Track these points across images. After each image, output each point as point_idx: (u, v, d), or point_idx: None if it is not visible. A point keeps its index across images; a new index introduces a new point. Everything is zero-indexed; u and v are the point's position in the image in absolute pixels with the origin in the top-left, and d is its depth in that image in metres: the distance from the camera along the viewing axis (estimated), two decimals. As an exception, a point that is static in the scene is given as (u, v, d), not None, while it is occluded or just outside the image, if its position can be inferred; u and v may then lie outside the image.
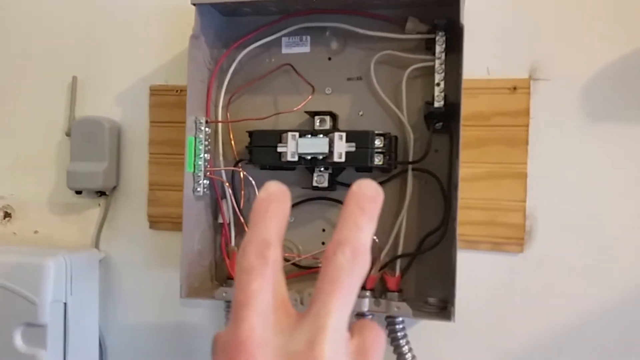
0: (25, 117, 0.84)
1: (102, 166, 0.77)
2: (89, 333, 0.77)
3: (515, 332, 0.67)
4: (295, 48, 0.73)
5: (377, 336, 0.26)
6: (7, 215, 0.85)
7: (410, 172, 0.67)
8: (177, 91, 0.77)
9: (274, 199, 0.26)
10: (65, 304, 0.71)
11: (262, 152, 0.65)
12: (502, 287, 0.67)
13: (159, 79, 0.79)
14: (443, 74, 0.65)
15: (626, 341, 0.64)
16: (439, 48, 0.65)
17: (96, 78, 0.82)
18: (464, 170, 0.67)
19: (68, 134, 0.80)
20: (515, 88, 0.67)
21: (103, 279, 0.80)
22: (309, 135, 0.63)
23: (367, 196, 0.26)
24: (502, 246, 0.67)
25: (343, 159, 0.61)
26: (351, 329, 0.26)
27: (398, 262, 0.67)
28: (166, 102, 0.78)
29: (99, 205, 0.81)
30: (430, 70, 0.67)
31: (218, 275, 0.74)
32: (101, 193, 0.80)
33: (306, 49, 0.73)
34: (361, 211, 0.26)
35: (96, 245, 0.80)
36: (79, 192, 0.80)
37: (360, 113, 0.70)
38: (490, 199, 0.67)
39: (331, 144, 0.62)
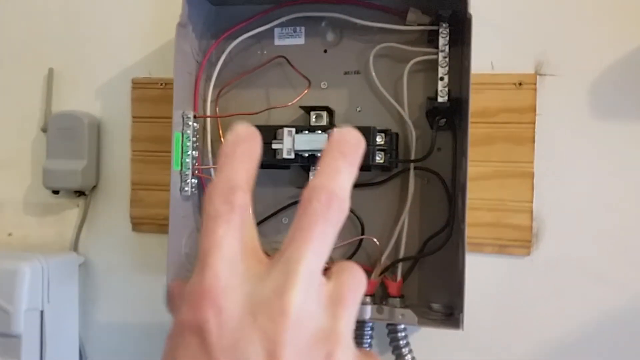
0: (-2, 112, 0.79)
1: (81, 164, 0.72)
2: (69, 342, 0.72)
3: (521, 339, 0.64)
4: (289, 39, 0.69)
5: (355, 279, 0.25)
6: (-22, 216, 0.79)
7: (412, 171, 0.64)
8: (161, 84, 0.73)
9: (242, 140, 0.25)
10: (42, 312, 0.66)
11: (255, 149, 0.61)
12: (507, 292, 0.64)
13: (142, 72, 0.74)
14: (447, 68, 0.62)
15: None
16: (443, 40, 0.62)
17: (74, 70, 0.76)
18: (469, 169, 0.64)
19: (44, 130, 0.75)
20: (521, 84, 0.64)
21: (83, 285, 0.75)
22: (306, 131, 0.59)
23: (348, 142, 0.25)
24: (507, 249, 0.64)
25: (343, 157, 0.57)
26: (329, 271, 0.25)
27: (399, 266, 0.63)
28: (150, 96, 0.73)
29: (78, 205, 0.76)
30: (431, 65, 0.64)
31: (206, 280, 0.69)
32: (80, 193, 0.75)
33: (300, 40, 0.68)
34: (341, 155, 0.24)
35: (75, 248, 0.75)
36: (56, 192, 0.75)
37: (358, 109, 0.67)
38: (496, 200, 0.64)
39: (330, 140, 0.58)
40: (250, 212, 0.24)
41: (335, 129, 0.25)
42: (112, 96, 0.75)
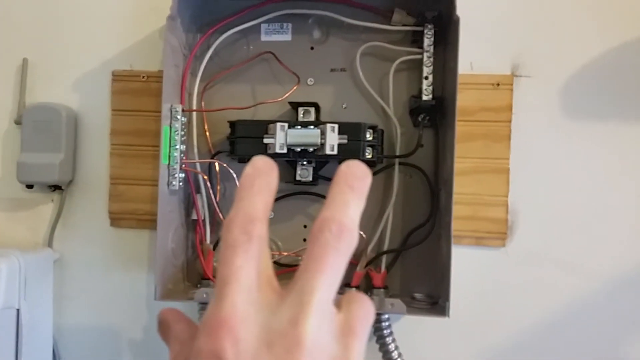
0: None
1: (58, 158, 0.70)
2: (43, 342, 0.70)
3: (498, 327, 0.67)
4: (276, 36, 0.70)
5: (365, 309, 0.26)
6: (-59, 211, 0.76)
7: (397, 167, 0.66)
8: (143, 77, 0.72)
9: (261, 173, 0.26)
10: (18, 310, 0.64)
11: (246, 143, 0.61)
12: (484, 282, 0.68)
13: (122, 64, 0.73)
14: (431, 67, 0.64)
15: (610, 333, 0.66)
16: (428, 41, 0.64)
17: (50, 61, 0.74)
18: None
19: (17, 122, 0.72)
20: (498, 84, 0.67)
21: (57, 281, 0.73)
22: (299, 127, 0.60)
23: (356, 175, 0.26)
24: (484, 241, 0.67)
25: (335, 152, 0.59)
26: (339, 301, 0.26)
27: (383, 258, 0.65)
28: (130, 88, 0.72)
29: (52, 200, 0.74)
30: (415, 64, 0.67)
31: (189, 275, 0.69)
32: (55, 187, 0.73)
33: (287, 37, 0.69)
34: (350, 189, 0.25)
35: (49, 244, 0.73)
36: (30, 186, 0.72)
37: (344, 105, 0.68)
38: (474, 194, 0.67)
39: (322, 135, 0.59)
40: (267, 241, 0.25)
41: (343, 163, 0.26)
42: (90, 88, 0.73)
